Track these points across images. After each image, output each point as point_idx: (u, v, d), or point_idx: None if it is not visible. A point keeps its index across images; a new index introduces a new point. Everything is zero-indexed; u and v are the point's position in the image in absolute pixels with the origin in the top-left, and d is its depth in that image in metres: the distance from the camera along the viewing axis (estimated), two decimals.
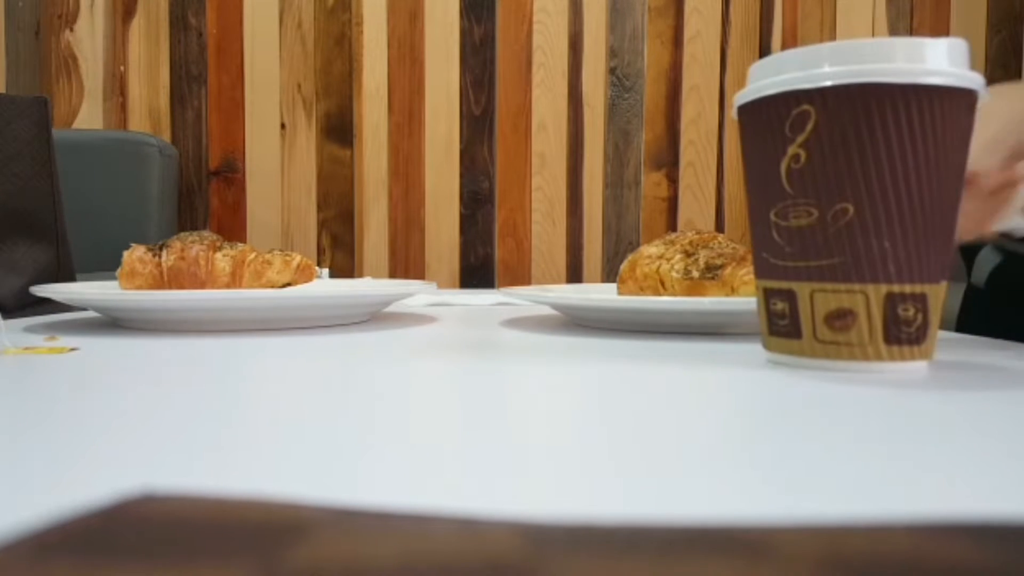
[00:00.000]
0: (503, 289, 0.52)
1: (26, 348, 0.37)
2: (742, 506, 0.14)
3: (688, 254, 0.50)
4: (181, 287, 0.52)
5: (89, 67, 1.67)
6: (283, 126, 1.71)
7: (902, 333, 0.29)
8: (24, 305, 0.66)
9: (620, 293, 0.52)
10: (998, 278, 0.63)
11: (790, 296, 0.30)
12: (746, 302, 0.39)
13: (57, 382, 0.27)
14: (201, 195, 1.70)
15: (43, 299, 0.67)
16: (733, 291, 0.47)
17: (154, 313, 0.45)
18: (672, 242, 0.52)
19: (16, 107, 0.69)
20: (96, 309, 0.47)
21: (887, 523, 0.11)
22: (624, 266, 0.53)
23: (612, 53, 1.76)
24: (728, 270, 0.47)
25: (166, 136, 1.69)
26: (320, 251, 1.74)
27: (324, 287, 0.63)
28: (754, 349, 0.37)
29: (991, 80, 1.77)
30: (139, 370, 0.30)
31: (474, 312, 0.59)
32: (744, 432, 0.20)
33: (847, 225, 0.28)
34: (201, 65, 1.69)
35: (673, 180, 1.79)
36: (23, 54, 1.67)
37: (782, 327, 0.31)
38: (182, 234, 0.56)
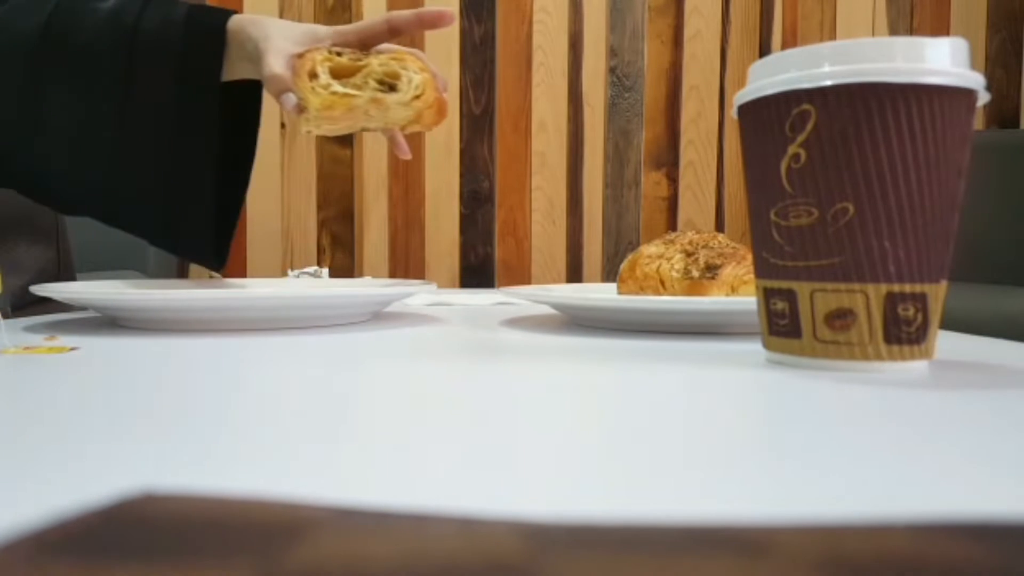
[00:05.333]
0: (503, 289, 0.52)
1: (26, 348, 0.37)
2: (742, 506, 0.14)
3: (688, 254, 0.50)
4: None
5: None
6: (283, 126, 1.70)
7: (902, 333, 0.29)
8: (24, 304, 0.66)
9: (620, 293, 0.52)
10: None
11: (790, 296, 0.30)
12: (746, 302, 0.39)
13: (57, 382, 0.27)
14: None
15: (43, 298, 0.67)
16: (733, 291, 0.47)
17: (154, 313, 0.45)
18: (672, 242, 0.52)
19: None
20: (96, 309, 0.47)
21: (887, 523, 0.11)
22: (624, 266, 0.53)
23: (612, 52, 1.76)
24: (728, 270, 0.47)
25: None
26: (320, 251, 1.74)
27: (324, 287, 0.63)
28: (754, 349, 0.37)
29: (991, 80, 1.77)
30: (139, 370, 0.30)
31: (474, 312, 0.59)
32: (744, 432, 0.20)
33: (847, 225, 0.28)
34: None
35: (673, 180, 1.79)
36: None
37: (782, 327, 0.31)
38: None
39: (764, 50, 1.77)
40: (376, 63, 0.51)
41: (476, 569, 0.09)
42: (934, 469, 0.16)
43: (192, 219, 0.59)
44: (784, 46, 1.78)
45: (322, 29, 0.55)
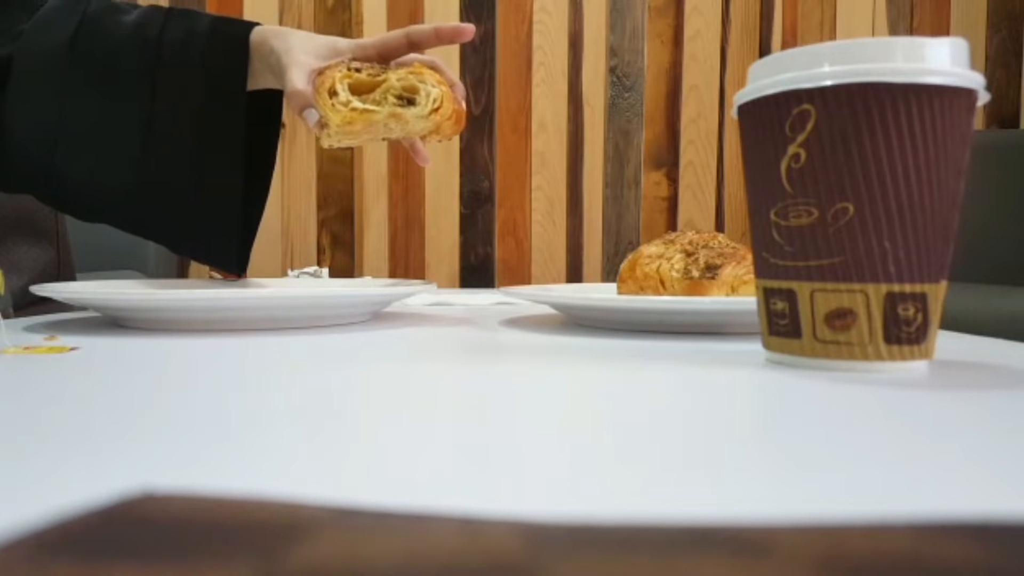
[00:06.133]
0: (503, 289, 0.52)
1: (26, 348, 0.37)
2: (742, 506, 0.14)
3: (688, 254, 0.50)
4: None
5: None
6: (283, 126, 1.70)
7: (902, 333, 0.29)
8: (24, 304, 0.66)
9: (620, 293, 0.52)
10: None
11: (790, 296, 0.30)
12: (746, 302, 0.39)
13: (57, 382, 0.27)
14: None
15: (43, 298, 0.67)
16: (733, 291, 0.47)
17: (154, 313, 0.45)
18: (672, 242, 0.52)
19: None
20: (96, 309, 0.47)
21: (887, 523, 0.11)
22: (624, 266, 0.53)
23: (612, 52, 1.76)
24: (728, 269, 0.47)
25: None
26: (320, 251, 1.74)
27: (324, 287, 0.63)
28: (754, 349, 0.37)
29: (991, 80, 1.77)
30: (139, 370, 0.30)
31: (474, 312, 0.59)
32: (744, 432, 0.20)
33: (847, 225, 0.28)
34: None
35: (673, 180, 1.79)
36: None
37: (782, 327, 0.31)
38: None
39: (764, 50, 1.77)
40: (394, 78, 0.51)
41: (476, 569, 0.09)
42: (934, 469, 0.16)
43: (217, 226, 0.59)
44: (784, 46, 1.78)
45: (343, 42, 0.56)
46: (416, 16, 1.71)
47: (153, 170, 0.56)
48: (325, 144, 0.53)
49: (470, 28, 0.56)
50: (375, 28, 1.70)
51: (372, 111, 0.50)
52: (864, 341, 0.29)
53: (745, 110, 0.32)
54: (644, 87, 1.77)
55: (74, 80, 0.55)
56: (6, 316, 0.59)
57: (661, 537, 0.10)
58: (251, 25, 0.58)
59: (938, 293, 0.29)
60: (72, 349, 0.36)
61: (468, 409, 0.23)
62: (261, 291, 0.43)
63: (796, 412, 0.22)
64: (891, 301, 0.28)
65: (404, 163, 1.74)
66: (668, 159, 1.78)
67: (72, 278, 0.75)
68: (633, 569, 0.09)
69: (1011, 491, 0.15)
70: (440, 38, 0.56)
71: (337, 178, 1.73)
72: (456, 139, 1.75)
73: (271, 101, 0.63)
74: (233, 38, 0.57)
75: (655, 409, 0.23)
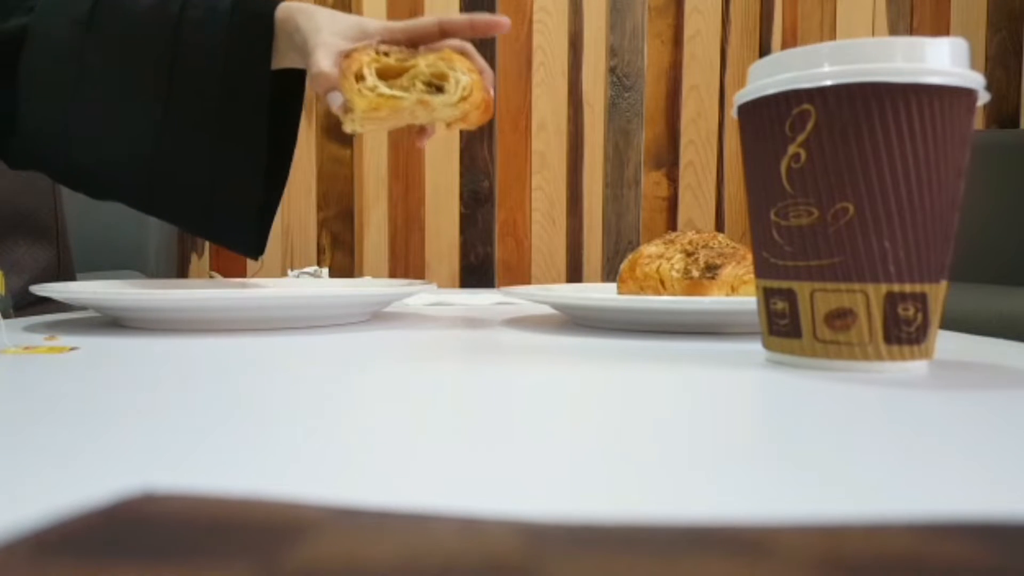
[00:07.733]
0: (503, 289, 0.52)
1: (26, 348, 0.37)
2: (742, 506, 0.14)
3: (688, 253, 0.50)
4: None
5: None
6: None
7: (902, 333, 0.29)
8: (24, 304, 0.66)
9: (620, 293, 0.52)
10: None
11: (790, 296, 0.30)
12: (746, 302, 0.39)
13: (57, 382, 0.27)
14: None
15: (43, 298, 0.67)
16: (733, 291, 0.47)
17: (154, 313, 0.45)
18: (672, 241, 0.52)
19: None
20: (96, 309, 0.47)
21: (887, 523, 0.11)
22: (624, 266, 0.53)
23: (612, 52, 1.76)
24: (728, 269, 0.47)
25: None
26: (320, 251, 1.74)
27: (324, 287, 0.63)
28: (754, 349, 0.37)
29: (991, 80, 1.77)
30: (139, 370, 0.30)
31: (474, 312, 0.59)
32: (744, 432, 0.20)
33: (847, 225, 0.28)
34: None
35: (673, 180, 1.79)
36: None
37: (782, 327, 0.31)
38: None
39: (764, 50, 1.77)
40: (424, 64, 0.50)
41: (476, 569, 0.09)
42: (934, 469, 0.16)
43: (235, 208, 0.58)
44: (784, 46, 1.78)
45: (371, 24, 0.54)
46: (416, 15, 1.71)
47: (170, 151, 0.55)
48: (348, 129, 0.52)
49: (506, 21, 0.54)
50: None
51: (399, 97, 0.49)
52: (864, 341, 0.29)
53: (745, 110, 0.32)
54: (644, 87, 1.77)
55: (90, 57, 0.54)
56: (6, 316, 0.59)
57: (661, 537, 0.10)
58: (275, 1, 0.56)
59: (938, 293, 0.29)
60: (72, 349, 0.36)
61: (468, 409, 0.23)
62: (261, 291, 0.43)
63: (796, 412, 0.22)
64: (891, 301, 0.28)
65: (404, 163, 1.74)
66: (668, 159, 1.78)
67: (72, 278, 0.75)
68: (633, 569, 0.09)
69: (1011, 491, 0.15)
70: (475, 30, 0.55)
71: (337, 178, 1.73)
72: (456, 139, 1.75)
73: (292, 82, 0.62)
74: (258, 16, 0.56)
75: (655, 409, 0.23)
